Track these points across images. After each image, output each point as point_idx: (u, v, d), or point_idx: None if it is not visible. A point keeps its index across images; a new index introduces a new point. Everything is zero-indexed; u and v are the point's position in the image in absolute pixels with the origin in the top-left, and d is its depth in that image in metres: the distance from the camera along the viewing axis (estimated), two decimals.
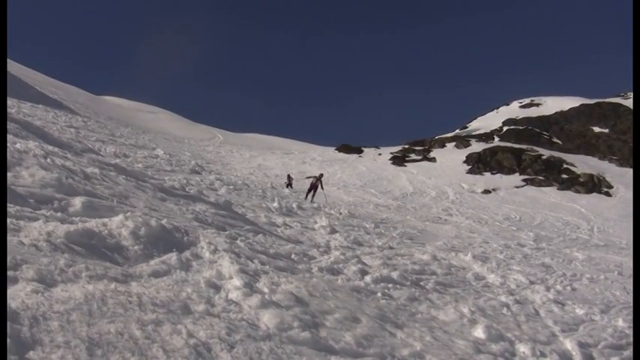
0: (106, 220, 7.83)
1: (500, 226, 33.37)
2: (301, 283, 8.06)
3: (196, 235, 9.28)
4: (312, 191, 31.69)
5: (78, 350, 4.00)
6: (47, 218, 7.17)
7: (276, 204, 21.11)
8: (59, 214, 7.69)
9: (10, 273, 4.82)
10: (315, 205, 26.87)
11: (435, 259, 15.60)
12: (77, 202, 8.55)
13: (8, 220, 6.36)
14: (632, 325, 11.05)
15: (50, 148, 13.58)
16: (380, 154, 75.93)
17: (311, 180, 32.06)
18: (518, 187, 55.70)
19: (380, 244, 17.27)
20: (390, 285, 10.48)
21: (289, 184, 38.19)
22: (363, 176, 55.72)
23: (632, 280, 16.71)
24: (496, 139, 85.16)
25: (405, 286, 10.71)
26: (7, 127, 14.50)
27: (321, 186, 31.77)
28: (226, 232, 10.78)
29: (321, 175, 33.45)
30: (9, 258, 5.08)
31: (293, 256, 10.97)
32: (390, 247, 16.98)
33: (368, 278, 10.50)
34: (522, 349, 8.15)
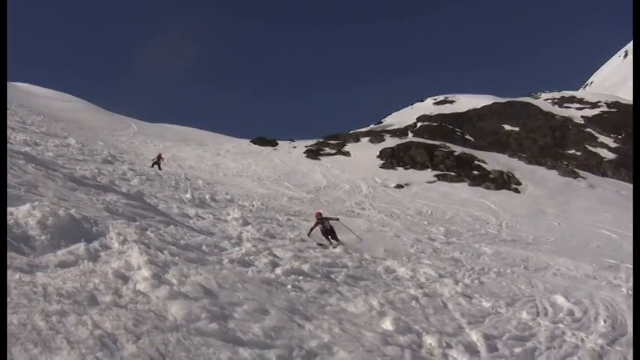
0: (12, 209, 7.67)
1: (412, 220, 33.83)
2: (211, 274, 8.08)
3: (106, 225, 9.18)
4: (330, 234, 19.35)
5: None
6: None
7: (188, 195, 20.96)
8: None
9: None
10: (228, 197, 26.71)
11: (347, 253, 15.78)
12: None
13: None
14: (535, 317, 11.47)
15: None
16: (295, 147, 75.92)
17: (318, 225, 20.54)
18: (430, 183, 56.48)
19: (292, 236, 17.38)
20: (300, 277, 10.58)
21: (157, 164, 37.64)
22: (278, 169, 55.60)
23: (533, 274, 17.27)
24: (410, 134, 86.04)
25: (316, 279, 10.82)
26: None
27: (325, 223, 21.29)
28: (137, 223, 10.68)
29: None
30: None
31: (204, 247, 10.96)
32: (302, 240, 17.10)
33: (279, 270, 10.58)
34: (429, 340, 8.35)
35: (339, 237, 19.24)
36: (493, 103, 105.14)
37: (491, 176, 57.64)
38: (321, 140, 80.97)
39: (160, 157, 38.98)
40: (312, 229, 19.18)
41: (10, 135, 23.78)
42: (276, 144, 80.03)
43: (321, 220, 19.74)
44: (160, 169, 35.94)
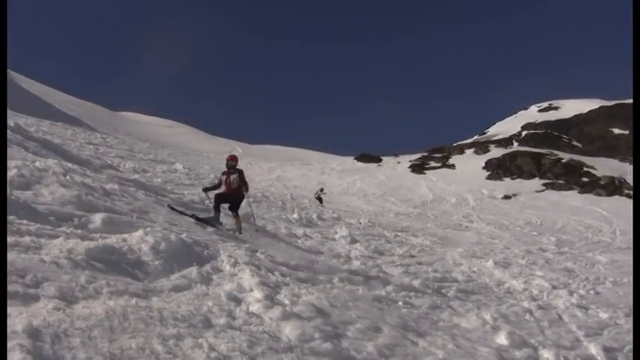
0: (126, 235, 7.87)
1: (522, 231, 33.15)
2: (322, 294, 8.05)
3: (216, 248, 9.30)
4: (228, 201, 14.58)
5: None
6: (67, 235, 7.22)
7: (296, 215, 21.10)
8: (79, 231, 7.75)
9: (31, 291, 4.84)
10: (335, 215, 26.78)
11: (457, 267, 15.52)
12: (97, 218, 8.62)
13: (29, 239, 6.41)
14: None
15: (69, 165, 13.68)
16: (399, 163, 75.79)
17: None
18: (538, 192, 55.37)
19: (401, 252, 17.21)
20: (411, 293, 10.41)
21: (319, 198, 37.15)
22: (383, 185, 55.55)
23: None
24: (515, 143, 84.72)
25: (427, 295, 10.64)
26: (27, 145, 14.62)
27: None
28: (246, 245, 10.79)
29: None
30: (29, 276, 5.11)
31: (314, 267, 10.96)
32: (411, 256, 16.92)
33: (389, 287, 10.44)
34: (546, 354, 8.06)
35: (251, 221, 15.39)
36: (600, 107, 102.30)
37: (601, 182, 55.95)
38: (425, 154, 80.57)
39: (321, 191, 38.86)
40: (213, 187, 14.99)
41: (120, 163, 24.52)
42: (381, 160, 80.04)
43: (232, 172, 14.45)
44: (320, 202, 35.78)
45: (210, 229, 12.21)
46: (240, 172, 14.47)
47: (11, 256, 5.55)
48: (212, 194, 14.48)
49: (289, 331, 5.93)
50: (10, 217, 7.15)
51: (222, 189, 14.41)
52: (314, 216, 22.65)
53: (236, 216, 13.99)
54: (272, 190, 38.18)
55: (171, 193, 15.93)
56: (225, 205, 14.34)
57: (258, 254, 10.07)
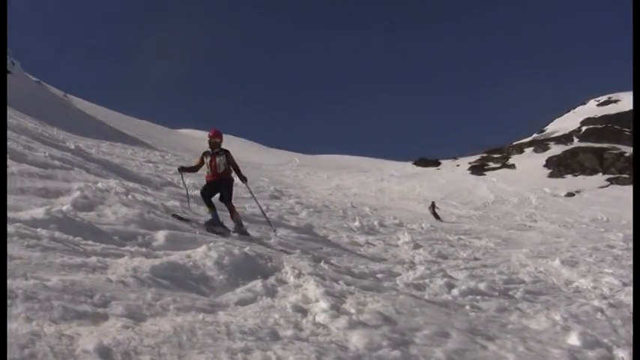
0: (189, 251, 7.94)
1: (587, 228, 32.56)
2: (388, 301, 7.97)
3: (280, 260, 9.31)
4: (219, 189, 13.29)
5: None
6: (132, 254, 7.31)
7: (357, 223, 21.09)
8: (144, 249, 7.85)
9: (99, 310, 4.90)
10: (396, 221, 26.68)
11: (523, 267, 15.30)
12: (160, 235, 8.72)
13: (95, 259, 6.49)
14: None
15: (130, 184, 13.90)
16: (458, 165, 75.36)
17: None
18: (602, 188, 54.45)
19: (465, 255, 17.06)
20: (478, 297, 10.27)
21: (434, 213, 35.83)
22: (443, 188, 55.23)
23: None
24: (575, 140, 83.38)
25: (494, 297, 10.49)
26: (88, 166, 14.88)
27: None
28: (309, 255, 10.79)
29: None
30: (97, 296, 5.17)
31: (378, 274, 10.90)
32: (476, 259, 16.75)
33: (455, 291, 10.33)
34: (621, 354, 7.84)
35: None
36: None
37: None
38: (484, 155, 79.92)
39: (434, 206, 37.60)
40: (191, 168, 13.68)
41: (180, 180, 24.82)
42: (439, 163, 79.73)
43: (218, 152, 12.77)
44: (436, 217, 35.03)
45: (272, 241, 12.23)
46: (228, 153, 12.68)
47: (79, 276, 5.64)
48: (188, 180, 13.41)
49: (357, 340, 5.88)
50: (76, 239, 7.29)
51: (207, 173, 12.65)
52: (375, 223, 22.62)
53: (232, 209, 12.41)
54: (332, 198, 38.22)
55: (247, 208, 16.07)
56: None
57: (321, 264, 10.06)
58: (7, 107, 31.79)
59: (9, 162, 11.19)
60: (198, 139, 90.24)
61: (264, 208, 16.10)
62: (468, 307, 9.25)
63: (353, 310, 6.94)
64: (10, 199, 8.59)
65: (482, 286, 11.13)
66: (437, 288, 10.53)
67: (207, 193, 12.40)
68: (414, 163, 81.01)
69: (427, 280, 11.09)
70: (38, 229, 7.12)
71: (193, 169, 13.26)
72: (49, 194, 9.94)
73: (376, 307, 7.29)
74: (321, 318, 6.41)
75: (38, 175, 11.23)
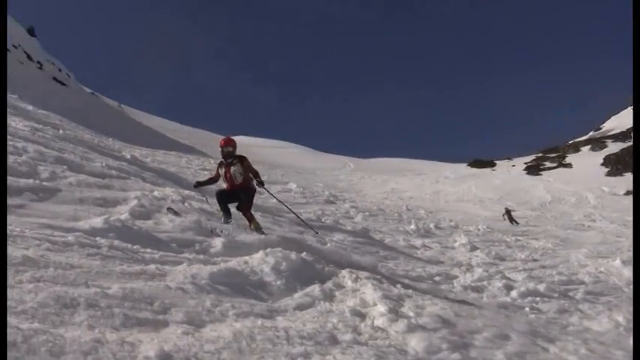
0: (246, 257, 7.98)
1: None
2: (446, 303, 7.91)
3: (337, 264, 9.30)
4: (236, 199, 12.46)
5: None
6: (190, 261, 7.37)
7: (413, 226, 21.02)
8: (201, 256, 7.91)
9: (160, 317, 4.94)
10: (452, 223, 26.50)
11: (582, 268, 15.05)
12: (217, 242, 8.78)
13: (153, 266, 6.56)
14: None
15: (186, 192, 14.03)
16: (513, 166, 74.57)
17: None
18: None
19: (523, 257, 16.86)
20: (537, 298, 10.15)
21: (510, 218, 34.79)
22: (499, 189, 54.69)
23: None
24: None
25: (554, 298, 10.34)
26: (144, 175, 15.07)
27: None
28: (366, 259, 10.77)
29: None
30: (157, 303, 5.22)
31: (435, 277, 10.83)
32: (534, 260, 16.53)
33: (514, 293, 10.23)
34: None
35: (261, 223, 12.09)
36: None
37: None
38: (539, 154, 78.91)
39: (507, 212, 36.56)
40: (208, 181, 12.63)
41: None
42: (494, 164, 78.96)
43: (231, 161, 11.87)
44: (511, 221, 34.14)
45: (328, 245, 12.22)
46: (243, 160, 11.82)
47: (138, 284, 5.70)
48: (208, 192, 12.53)
49: (416, 343, 5.84)
50: (135, 247, 7.38)
51: (224, 186, 11.88)
52: (431, 226, 22.52)
53: (250, 217, 11.62)
54: (387, 202, 38.12)
55: (288, 212, 16.10)
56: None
57: (378, 268, 10.04)
58: (63, 118, 32.43)
59: (67, 173, 11.41)
60: (250, 145, 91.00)
61: (319, 212, 16.11)
62: (527, 309, 9.16)
63: (411, 314, 6.89)
64: (70, 209, 8.75)
65: (541, 287, 11.00)
66: (495, 290, 10.44)
67: (223, 199, 11.66)
68: (469, 165, 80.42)
69: (485, 283, 11.01)
70: (97, 238, 7.24)
71: (210, 183, 12.46)
72: (107, 203, 10.08)
73: (435, 310, 7.23)
74: (379, 322, 6.38)
75: (96, 185, 11.41)
